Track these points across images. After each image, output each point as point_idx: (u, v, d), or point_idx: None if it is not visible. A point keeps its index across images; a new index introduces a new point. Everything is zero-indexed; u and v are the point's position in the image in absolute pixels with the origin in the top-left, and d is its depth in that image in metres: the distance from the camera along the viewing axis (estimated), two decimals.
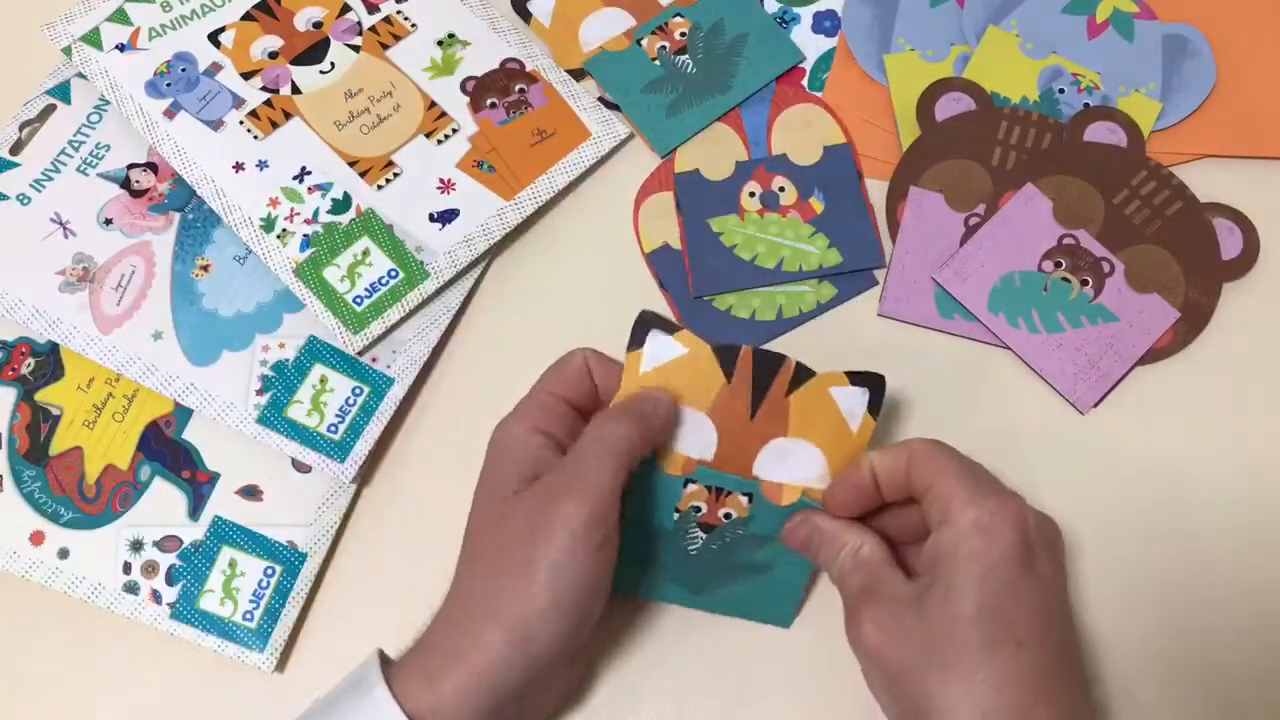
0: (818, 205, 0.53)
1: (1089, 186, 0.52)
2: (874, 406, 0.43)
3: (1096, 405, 0.50)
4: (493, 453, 0.42)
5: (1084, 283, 0.51)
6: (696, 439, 0.43)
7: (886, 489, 0.41)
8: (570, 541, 0.38)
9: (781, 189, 0.54)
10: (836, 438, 0.43)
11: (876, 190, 0.54)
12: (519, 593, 0.38)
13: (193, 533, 0.48)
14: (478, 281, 0.53)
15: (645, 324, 0.42)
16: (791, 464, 0.43)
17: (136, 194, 0.53)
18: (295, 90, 0.54)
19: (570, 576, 0.38)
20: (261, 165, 0.52)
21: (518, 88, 0.55)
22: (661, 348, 0.42)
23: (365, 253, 0.51)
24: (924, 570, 0.39)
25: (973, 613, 0.36)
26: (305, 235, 0.51)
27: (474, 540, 0.41)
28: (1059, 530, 0.40)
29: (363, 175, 0.52)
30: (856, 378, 0.42)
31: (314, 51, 0.55)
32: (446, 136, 0.54)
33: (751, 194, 0.53)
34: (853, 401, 0.42)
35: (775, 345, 0.50)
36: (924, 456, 0.40)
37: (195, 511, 0.48)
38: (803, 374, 0.42)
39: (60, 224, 0.52)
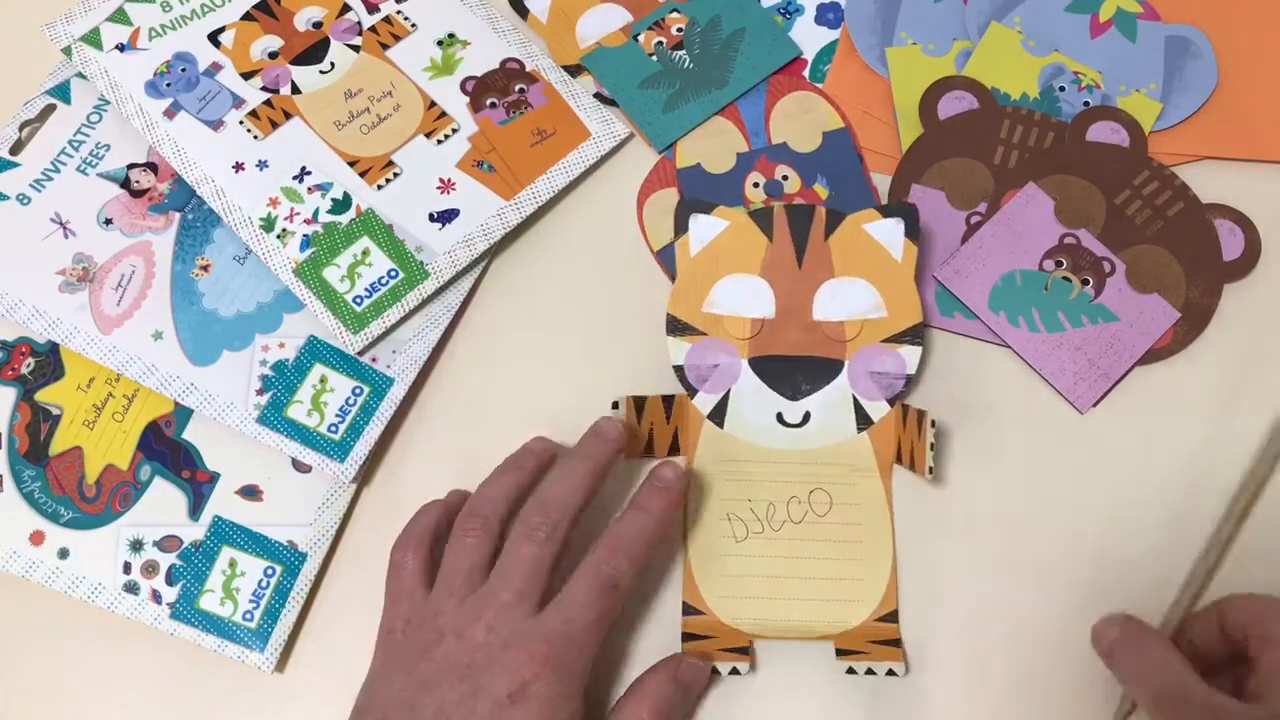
0: (822, 191, 0.53)
1: (1091, 186, 0.52)
2: (911, 233, 0.46)
3: (1096, 405, 0.49)
4: None
5: (1085, 282, 0.51)
6: (756, 301, 0.47)
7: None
8: None
9: (785, 177, 0.53)
10: (884, 268, 0.47)
11: (877, 184, 0.53)
12: None
13: (193, 533, 0.48)
14: (478, 281, 0.53)
15: (685, 209, 0.47)
16: (845, 300, 0.47)
17: (136, 194, 0.53)
18: (295, 90, 0.54)
19: None
20: (261, 165, 0.52)
21: (518, 87, 0.55)
22: (704, 227, 0.47)
23: (365, 253, 0.51)
24: (1263, 693, 0.38)
25: None
26: (305, 235, 0.51)
27: None
28: None
29: (363, 175, 0.52)
30: (887, 211, 0.46)
31: (314, 51, 0.55)
32: (446, 136, 0.53)
33: (755, 184, 0.53)
34: (889, 233, 0.46)
35: None
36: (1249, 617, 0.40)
37: (195, 511, 0.48)
38: (834, 218, 0.47)
39: (60, 224, 0.52)
